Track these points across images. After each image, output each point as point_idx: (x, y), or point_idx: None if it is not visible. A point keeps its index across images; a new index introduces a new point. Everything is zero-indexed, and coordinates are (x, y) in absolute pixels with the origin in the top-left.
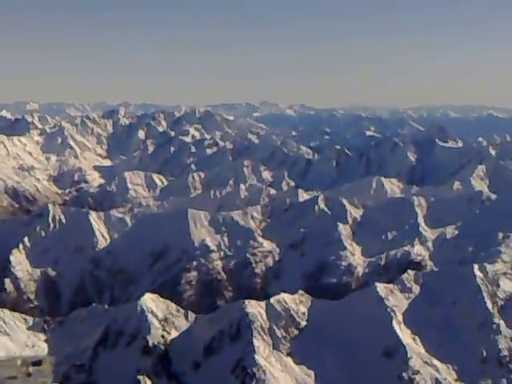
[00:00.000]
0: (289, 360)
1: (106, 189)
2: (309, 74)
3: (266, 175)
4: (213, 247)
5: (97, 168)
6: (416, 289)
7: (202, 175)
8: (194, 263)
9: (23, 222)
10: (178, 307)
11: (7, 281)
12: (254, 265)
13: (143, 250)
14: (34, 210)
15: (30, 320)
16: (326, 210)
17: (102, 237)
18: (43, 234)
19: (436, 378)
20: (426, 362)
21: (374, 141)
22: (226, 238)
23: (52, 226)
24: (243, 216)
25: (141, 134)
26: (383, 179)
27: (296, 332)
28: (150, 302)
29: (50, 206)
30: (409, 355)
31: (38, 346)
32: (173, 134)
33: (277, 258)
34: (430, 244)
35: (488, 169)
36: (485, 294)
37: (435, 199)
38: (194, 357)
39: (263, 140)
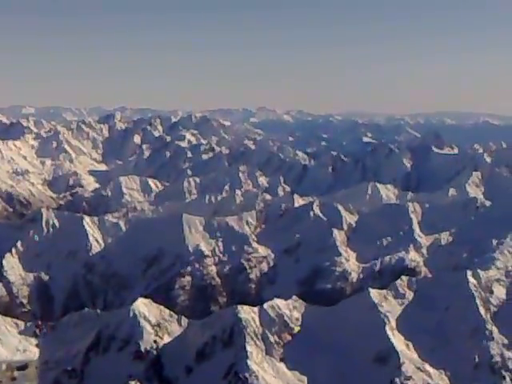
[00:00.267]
0: (282, 365)
1: (101, 193)
2: (306, 80)
3: (262, 181)
4: (207, 252)
5: (92, 172)
6: (409, 295)
7: (198, 180)
8: (189, 268)
9: (16, 226)
10: (171, 312)
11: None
12: (248, 270)
13: (137, 255)
14: (28, 214)
15: (22, 324)
16: (321, 215)
17: (96, 241)
18: (36, 238)
19: None
20: (418, 368)
21: (370, 147)
22: (220, 244)
23: (45, 230)
24: (238, 221)
25: (137, 138)
26: (379, 185)
27: (289, 337)
28: (143, 306)
29: (44, 211)
30: (401, 361)
31: (30, 350)
32: (169, 138)
33: (271, 264)
34: (424, 250)
35: (483, 175)
36: (478, 301)
37: (430, 205)
38: (187, 362)
39: (259, 145)
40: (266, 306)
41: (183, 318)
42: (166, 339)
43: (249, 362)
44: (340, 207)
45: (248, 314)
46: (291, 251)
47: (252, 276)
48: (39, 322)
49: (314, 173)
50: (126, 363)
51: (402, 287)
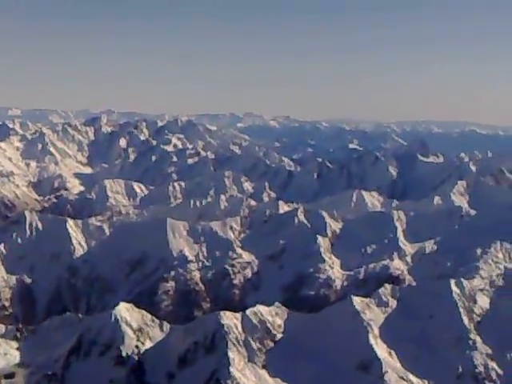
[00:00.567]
0: (264, 372)
1: (86, 196)
2: (294, 86)
3: (247, 186)
4: (191, 257)
5: (77, 175)
6: (393, 303)
7: (183, 185)
8: (172, 273)
9: None
10: (153, 317)
11: None
12: (232, 276)
13: (121, 259)
14: (12, 216)
15: (3, 328)
16: (306, 222)
17: (79, 245)
18: (19, 240)
19: None
20: (401, 377)
21: (356, 154)
22: (204, 249)
23: (28, 232)
24: (222, 227)
25: (122, 142)
26: (364, 193)
27: (271, 344)
28: (125, 311)
29: (27, 213)
30: (384, 370)
31: (10, 354)
32: (155, 142)
33: (255, 270)
34: (408, 258)
35: (468, 184)
36: (461, 310)
37: (415, 214)
38: (168, 368)
39: (245, 151)
40: (248, 312)
41: (165, 323)
42: (148, 344)
43: (231, 368)
44: (325, 214)
45: (230, 320)
46: (275, 257)
47: (236, 282)
48: (20, 326)
49: (299, 179)
50: (107, 368)
51: (386, 295)
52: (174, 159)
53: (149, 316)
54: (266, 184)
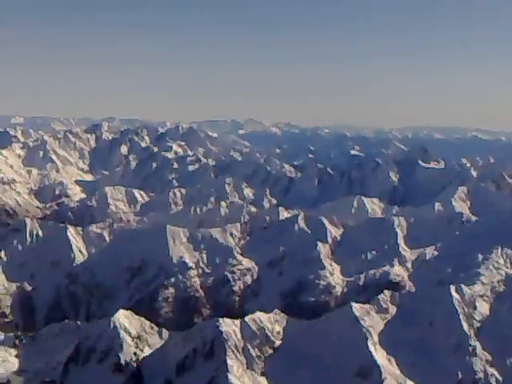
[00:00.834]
0: (262, 379)
1: (87, 203)
2: (294, 93)
3: (248, 193)
4: (191, 264)
5: (78, 182)
6: (392, 309)
7: (184, 191)
8: (172, 280)
9: (0, 235)
10: (152, 324)
11: None
12: (232, 282)
13: (120, 266)
14: (13, 223)
15: (2, 335)
16: (306, 228)
17: (80, 252)
18: (20, 248)
19: None
20: None
21: (357, 160)
22: (204, 255)
23: (29, 240)
24: (222, 233)
25: (123, 149)
26: (364, 199)
27: (270, 351)
28: (124, 318)
29: (28, 220)
30: (383, 376)
31: (9, 361)
32: (155, 149)
33: (255, 276)
34: (409, 264)
35: (469, 190)
36: (461, 316)
37: (415, 220)
38: (167, 375)
39: (246, 157)
40: (247, 319)
41: (164, 330)
42: (147, 351)
43: (229, 375)
44: (325, 220)
45: (229, 326)
46: (275, 264)
47: (236, 288)
48: (19, 333)
49: (300, 185)
50: (106, 375)
51: (385, 302)
52: (175, 166)
53: (147, 323)
54: (267, 190)
